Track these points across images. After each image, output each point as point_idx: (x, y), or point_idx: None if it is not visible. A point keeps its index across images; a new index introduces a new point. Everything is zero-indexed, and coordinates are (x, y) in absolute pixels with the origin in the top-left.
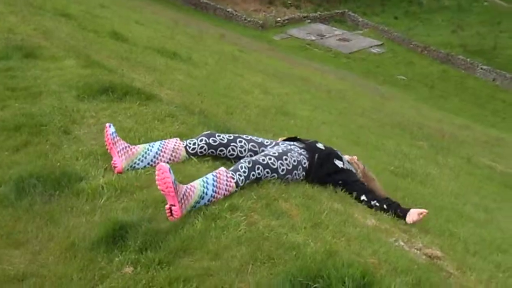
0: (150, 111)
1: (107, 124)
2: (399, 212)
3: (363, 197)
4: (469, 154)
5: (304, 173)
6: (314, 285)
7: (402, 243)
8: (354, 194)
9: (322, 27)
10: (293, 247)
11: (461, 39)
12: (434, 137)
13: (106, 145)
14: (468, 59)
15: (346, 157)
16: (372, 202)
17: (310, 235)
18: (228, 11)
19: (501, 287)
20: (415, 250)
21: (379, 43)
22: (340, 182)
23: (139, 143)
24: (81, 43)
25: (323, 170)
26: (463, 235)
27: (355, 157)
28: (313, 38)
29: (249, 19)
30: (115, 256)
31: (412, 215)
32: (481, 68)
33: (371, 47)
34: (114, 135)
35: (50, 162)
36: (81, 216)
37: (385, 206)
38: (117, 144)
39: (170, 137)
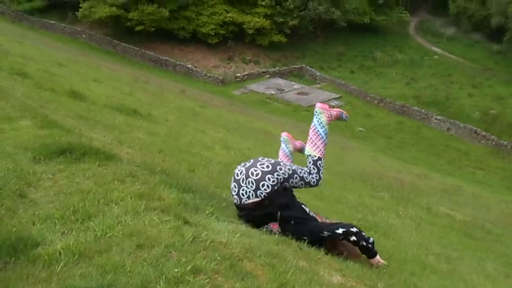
0: (109, 171)
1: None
2: (373, 250)
3: (340, 230)
4: (428, 203)
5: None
6: None
7: None
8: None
9: (281, 82)
10: None
11: (415, 91)
12: (394, 187)
13: None
14: (423, 110)
15: None
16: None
17: None
18: (188, 67)
19: None
20: None
21: (337, 96)
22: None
23: (98, 205)
24: (38, 102)
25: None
26: None
27: None
28: (273, 92)
29: (209, 74)
30: None
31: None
32: (436, 118)
33: (329, 100)
34: None
35: (5, 227)
36: (37, 284)
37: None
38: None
39: (131, 199)
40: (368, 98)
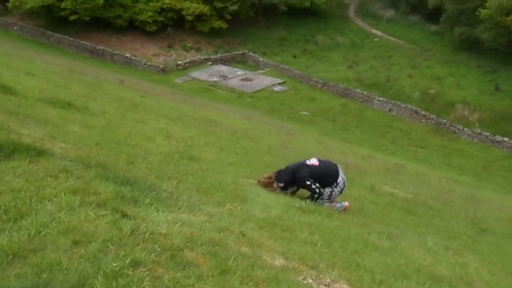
0: (41, 167)
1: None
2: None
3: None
4: (372, 183)
5: None
6: None
7: (310, 280)
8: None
9: (224, 68)
10: None
11: (357, 73)
12: None
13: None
14: (365, 92)
15: None
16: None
17: (217, 284)
18: (127, 57)
19: None
20: (324, 286)
21: (281, 81)
22: None
23: (31, 203)
24: None
25: None
26: (369, 265)
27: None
28: (216, 79)
29: (149, 63)
30: None
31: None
32: (378, 100)
33: (273, 85)
34: None
35: None
36: None
37: None
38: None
39: (65, 195)
40: (312, 82)
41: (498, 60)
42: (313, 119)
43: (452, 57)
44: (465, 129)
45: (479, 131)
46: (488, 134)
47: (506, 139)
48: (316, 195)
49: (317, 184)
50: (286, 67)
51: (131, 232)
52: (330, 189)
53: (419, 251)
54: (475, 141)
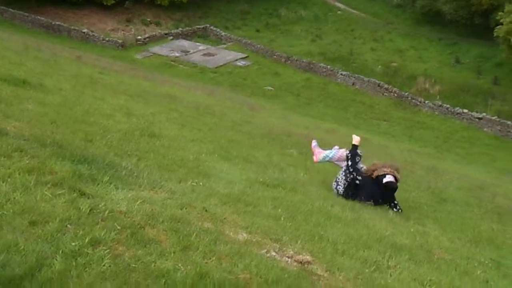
0: None
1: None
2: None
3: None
4: None
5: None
6: None
7: (273, 253)
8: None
9: (185, 43)
10: (162, 274)
11: (320, 47)
12: (302, 143)
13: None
14: (329, 66)
15: None
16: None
17: (179, 260)
18: (84, 32)
19: (367, 282)
20: (287, 258)
21: (244, 56)
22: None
23: None
24: None
25: None
26: (332, 236)
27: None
28: (177, 54)
29: (107, 38)
30: None
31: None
32: (341, 74)
33: (236, 60)
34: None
35: None
36: None
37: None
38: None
39: (19, 175)
40: (275, 56)
41: (459, 33)
42: (277, 93)
43: (413, 30)
44: (426, 102)
45: (440, 103)
46: (448, 106)
47: (465, 110)
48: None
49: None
50: (249, 41)
51: (90, 211)
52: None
53: (381, 222)
54: (436, 113)
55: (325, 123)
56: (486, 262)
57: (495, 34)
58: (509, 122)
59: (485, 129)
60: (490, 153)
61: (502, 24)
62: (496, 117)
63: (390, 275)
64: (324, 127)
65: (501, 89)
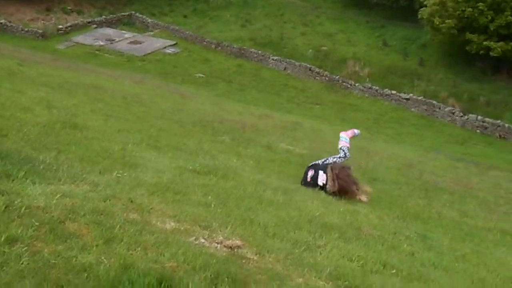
0: None
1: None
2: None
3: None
4: (269, 141)
5: None
6: None
7: (202, 240)
8: None
9: (110, 32)
10: (84, 269)
11: (250, 32)
12: (235, 130)
13: None
14: (260, 52)
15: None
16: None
17: (103, 253)
18: (1, 23)
19: (296, 261)
20: (216, 244)
21: (173, 43)
22: None
23: None
24: None
25: None
26: (263, 220)
27: None
28: (102, 43)
29: (26, 29)
30: None
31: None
32: (272, 59)
33: (165, 47)
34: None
35: None
36: None
37: None
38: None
39: None
40: (205, 42)
41: (385, 15)
42: (209, 80)
43: (341, 13)
44: (356, 84)
45: (369, 85)
46: (377, 88)
47: (394, 92)
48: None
49: None
50: (177, 28)
51: (5, 208)
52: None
53: (313, 203)
54: (366, 95)
55: (258, 108)
56: (412, 236)
57: (419, 16)
58: (434, 102)
59: (412, 109)
60: (418, 133)
61: (425, 6)
62: (422, 97)
63: (320, 254)
64: (257, 113)
65: (426, 70)
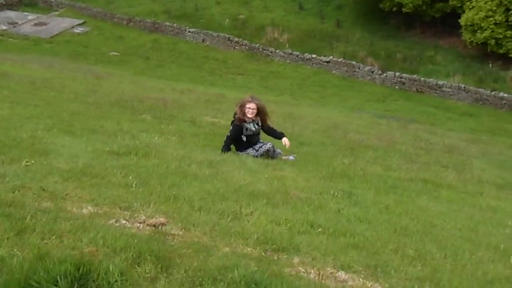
0: None
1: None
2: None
3: None
4: (192, 116)
5: None
6: None
7: (124, 221)
8: None
9: (12, 14)
10: None
11: (163, 5)
12: (156, 107)
13: None
14: (175, 25)
15: None
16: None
17: (15, 245)
18: None
19: (223, 231)
20: (138, 224)
21: (81, 21)
22: None
23: None
24: None
25: None
26: (188, 195)
27: None
28: (4, 27)
29: None
30: None
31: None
32: (189, 32)
33: (73, 27)
34: None
35: None
36: None
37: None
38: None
39: None
40: (116, 19)
41: None
42: (124, 58)
43: None
44: (277, 51)
45: (290, 51)
46: (298, 53)
47: (314, 55)
48: None
49: None
50: (84, 5)
51: None
52: None
53: (240, 173)
54: (288, 61)
55: (180, 83)
56: (338, 194)
57: None
58: (354, 62)
59: (333, 72)
60: (341, 94)
61: None
62: (341, 58)
63: (248, 221)
64: (179, 88)
65: (344, 31)
